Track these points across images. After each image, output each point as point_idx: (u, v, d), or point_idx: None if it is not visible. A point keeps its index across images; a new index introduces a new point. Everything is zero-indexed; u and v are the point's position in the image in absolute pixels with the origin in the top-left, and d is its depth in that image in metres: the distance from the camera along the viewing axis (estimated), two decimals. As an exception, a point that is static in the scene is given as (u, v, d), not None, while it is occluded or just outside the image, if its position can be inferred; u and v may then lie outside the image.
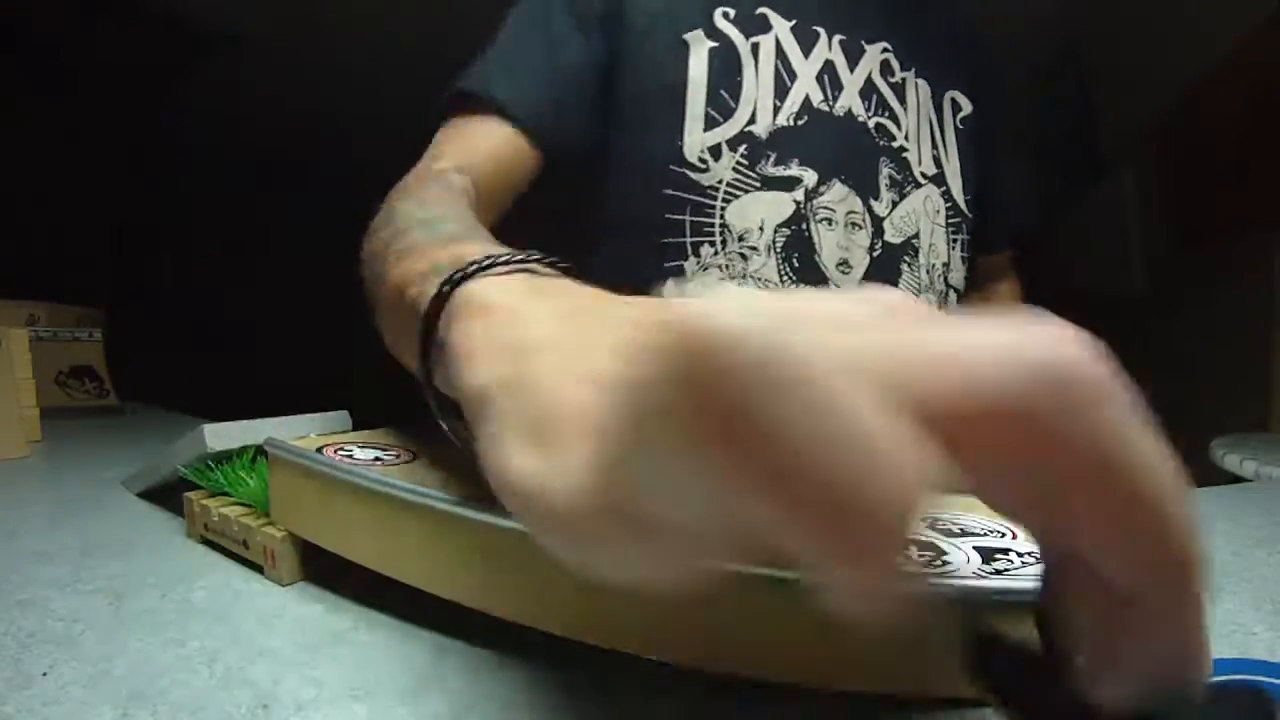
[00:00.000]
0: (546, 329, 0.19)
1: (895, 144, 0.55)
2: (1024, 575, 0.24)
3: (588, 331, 0.19)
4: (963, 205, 0.58)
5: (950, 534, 0.29)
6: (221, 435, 0.40)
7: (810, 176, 0.52)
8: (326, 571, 0.33)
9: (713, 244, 0.52)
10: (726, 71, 0.51)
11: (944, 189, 0.57)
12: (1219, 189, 1.40)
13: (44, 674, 0.25)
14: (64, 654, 0.26)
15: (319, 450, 0.33)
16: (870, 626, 0.12)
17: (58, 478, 0.57)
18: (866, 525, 0.10)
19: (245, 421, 0.41)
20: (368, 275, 0.37)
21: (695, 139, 0.51)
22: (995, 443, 0.11)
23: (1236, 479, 0.79)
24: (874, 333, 0.11)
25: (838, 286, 0.52)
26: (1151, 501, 0.11)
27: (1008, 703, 0.14)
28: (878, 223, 0.54)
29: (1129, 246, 1.73)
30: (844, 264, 0.53)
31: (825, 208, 0.52)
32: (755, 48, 0.52)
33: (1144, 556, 0.12)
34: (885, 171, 0.54)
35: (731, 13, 0.53)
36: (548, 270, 0.25)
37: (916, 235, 0.55)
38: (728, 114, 0.51)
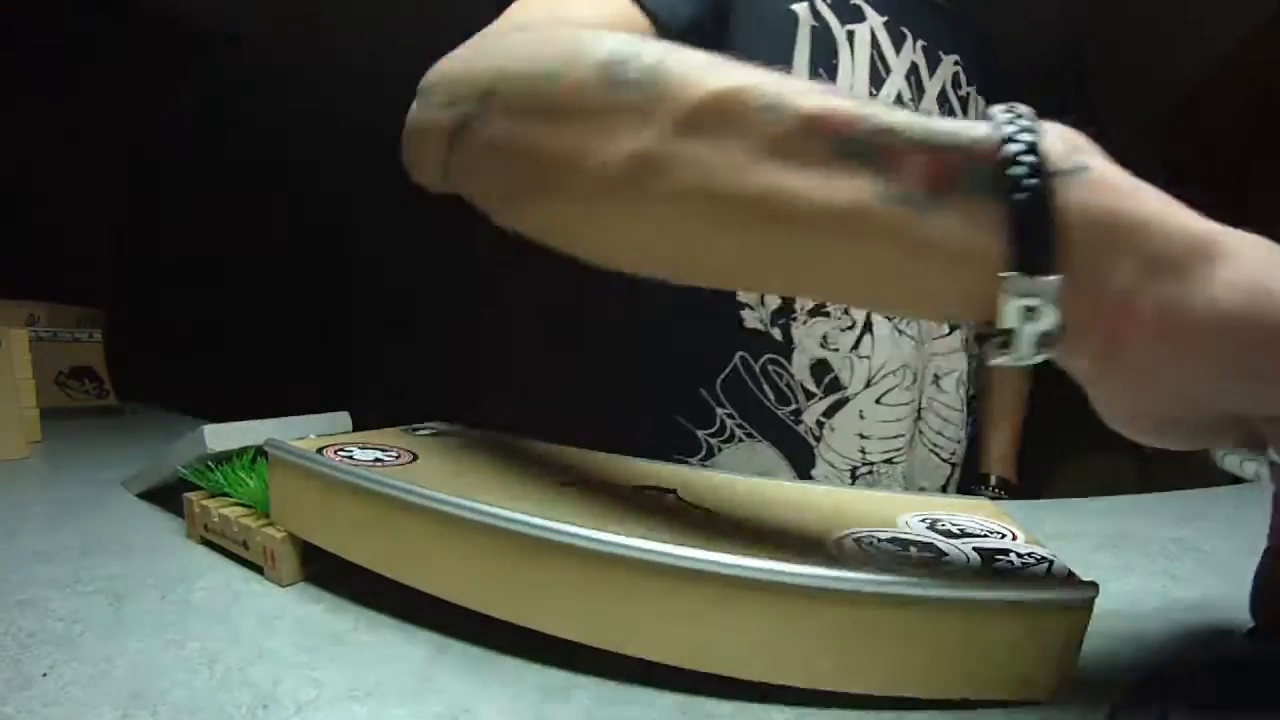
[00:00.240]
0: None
1: None
2: (1024, 576, 0.24)
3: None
4: None
5: (950, 534, 0.29)
6: (221, 435, 0.40)
7: None
8: (326, 571, 0.33)
9: None
10: (824, 53, 0.51)
11: None
12: (1219, 189, 1.40)
13: (44, 674, 0.25)
14: (64, 654, 0.26)
15: (319, 451, 0.33)
16: None
17: (58, 478, 0.57)
18: None
19: (245, 422, 0.41)
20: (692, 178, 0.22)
21: None
22: None
23: (1236, 479, 0.79)
24: None
25: None
26: None
27: None
28: None
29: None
30: None
31: None
32: (851, 35, 0.52)
33: None
34: None
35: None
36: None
37: None
38: None
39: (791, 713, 0.23)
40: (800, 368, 0.51)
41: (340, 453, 0.33)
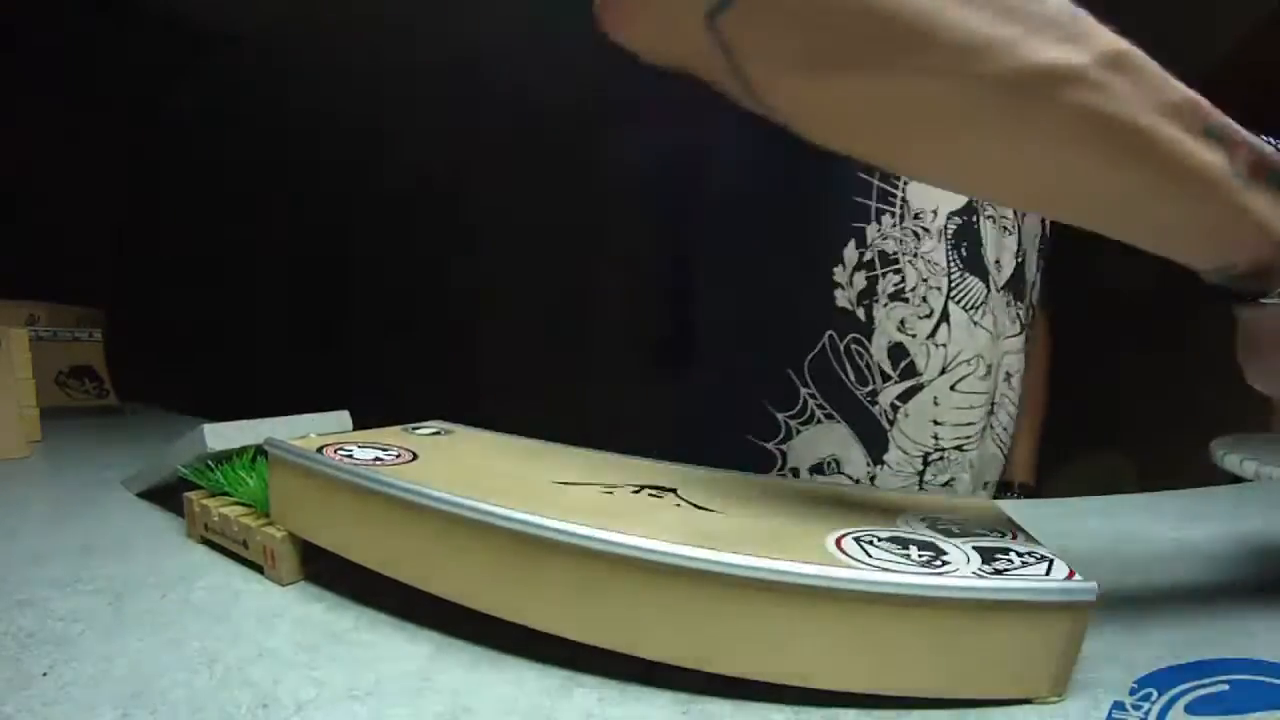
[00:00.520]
0: None
1: None
2: (1024, 575, 0.24)
3: None
4: (1048, 231, 0.61)
5: (950, 534, 0.29)
6: (221, 435, 0.40)
7: None
8: (326, 571, 0.33)
9: (893, 215, 0.52)
10: None
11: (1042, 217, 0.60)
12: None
13: (44, 674, 0.25)
14: (64, 654, 0.26)
15: (319, 450, 0.33)
16: None
17: (58, 478, 0.57)
18: None
19: (245, 421, 0.41)
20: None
21: None
22: None
23: (1236, 479, 0.79)
24: None
25: (995, 282, 0.54)
26: None
27: None
28: (1018, 232, 0.56)
29: (1130, 246, 1.73)
30: (997, 262, 0.55)
31: (990, 205, 0.54)
32: None
33: None
34: None
35: None
36: None
37: (1025, 254, 0.58)
38: None
39: (791, 712, 0.23)
40: (879, 349, 0.52)
41: (340, 452, 0.33)
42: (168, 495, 0.44)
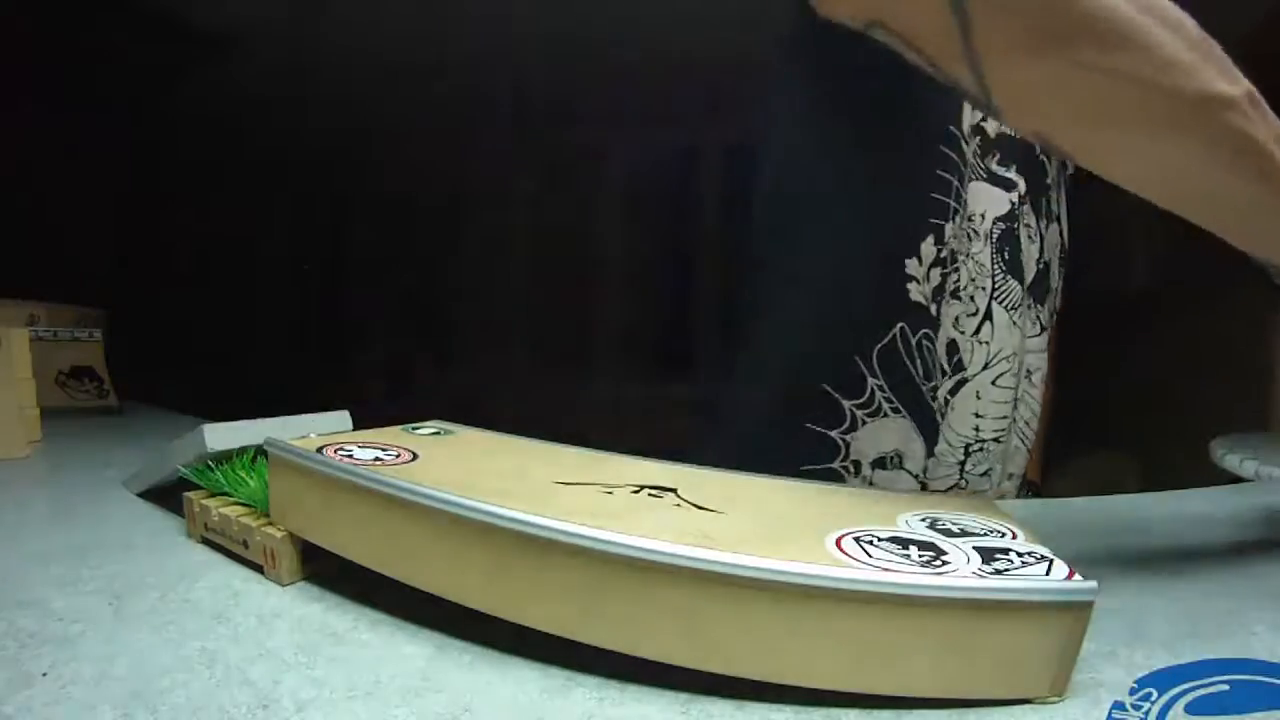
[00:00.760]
0: None
1: (1047, 180, 0.60)
2: (1024, 575, 0.24)
3: None
4: (1066, 241, 0.63)
5: (950, 534, 0.29)
6: (221, 435, 0.40)
7: (1022, 184, 0.57)
8: (326, 571, 0.33)
9: (957, 216, 0.54)
10: None
11: (1061, 228, 0.62)
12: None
13: (44, 674, 0.25)
14: (64, 654, 0.26)
15: (319, 450, 0.33)
16: None
17: (58, 478, 0.57)
18: None
19: (245, 421, 0.41)
20: None
21: (967, 112, 0.55)
22: None
23: (1236, 479, 0.79)
24: None
25: (1026, 284, 0.57)
26: None
27: None
28: (1040, 241, 0.59)
29: (1130, 246, 1.73)
30: (1027, 267, 0.58)
31: (1026, 213, 0.58)
32: None
33: None
34: (1043, 201, 0.60)
35: None
36: None
37: (1048, 264, 0.61)
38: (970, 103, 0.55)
39: (791, 712, 0.23)
40: (940, 344, 0.55)
41: (340, 452, 0.33)
42: (168, 495, 0.44)
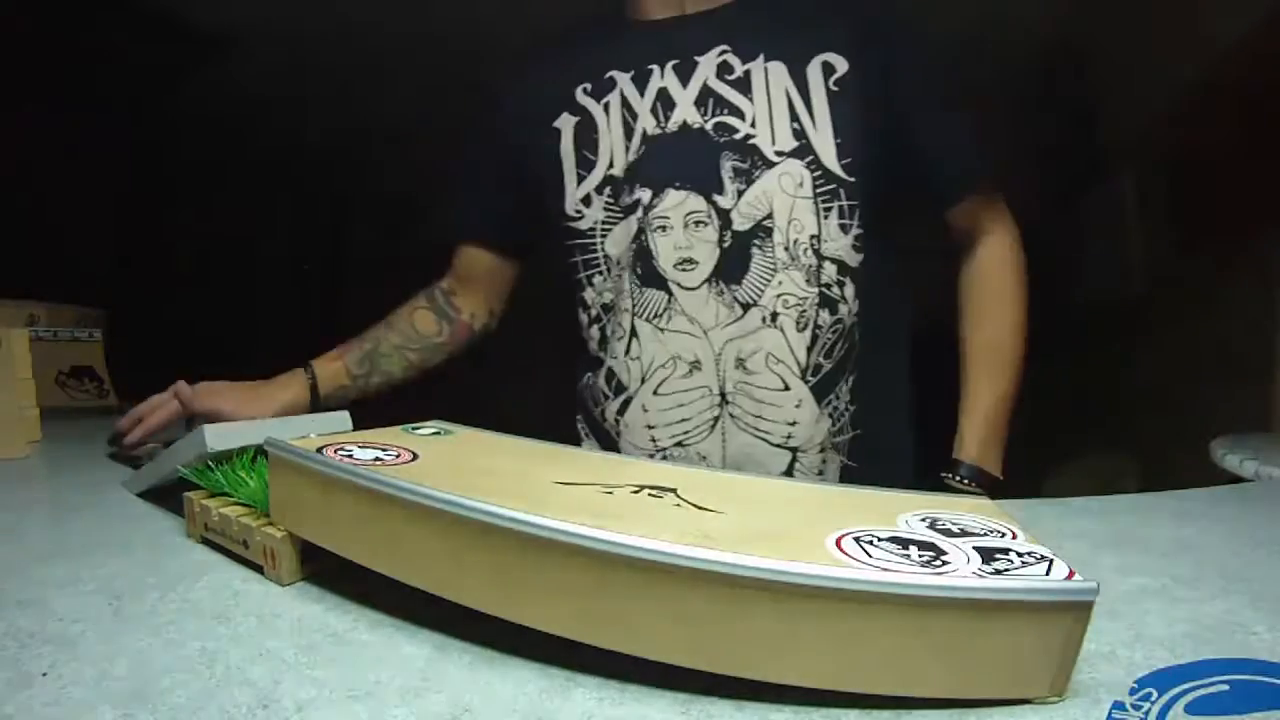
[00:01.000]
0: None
1: (739, 135, 0.58)
2: (1024, 575, 0.24)
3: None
4: (838, 170, 0.58)
5: (950, 534, 0.29)
6: (221, 435, 0.40)
7: (645, 194, 0.59)
8: (326, 571, 0.33)
9: (602, 273, 0.63)
10: (587, 135, 0.62)
11: (809, 159, 0.58)
12: (1219, 189, 1.40)
13: (44, 674, 0.25)
14: (64, 654, 0.26)
15: (319, 450, 0.33)
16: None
17: (58, 478, 0.57)
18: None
19: (245, 421, 0.41)
20: None
21: (570, 196, 0.63)
22: None
23: (1236, 479, 0.79)
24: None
25: (679, 284, 0.58)
26: None
27: None
28: (724, 215, 0.57)
29: (1130, 247, 1.73)
30: (687, 262, 0.58)
31: (660, 217, 0.58)
32: (607, 106, 0.62)
33: None
34: (728, 165, 0.58)
35: (589, 86, 0.63)
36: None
37: (770, 216, 0.57)
38: (590, 167, 0.62)
39: (792, 713, 0.23)
40: (602, 377, 0.64)
41: (340, 452, 0.33)
42: (168, 495, 0.44)
